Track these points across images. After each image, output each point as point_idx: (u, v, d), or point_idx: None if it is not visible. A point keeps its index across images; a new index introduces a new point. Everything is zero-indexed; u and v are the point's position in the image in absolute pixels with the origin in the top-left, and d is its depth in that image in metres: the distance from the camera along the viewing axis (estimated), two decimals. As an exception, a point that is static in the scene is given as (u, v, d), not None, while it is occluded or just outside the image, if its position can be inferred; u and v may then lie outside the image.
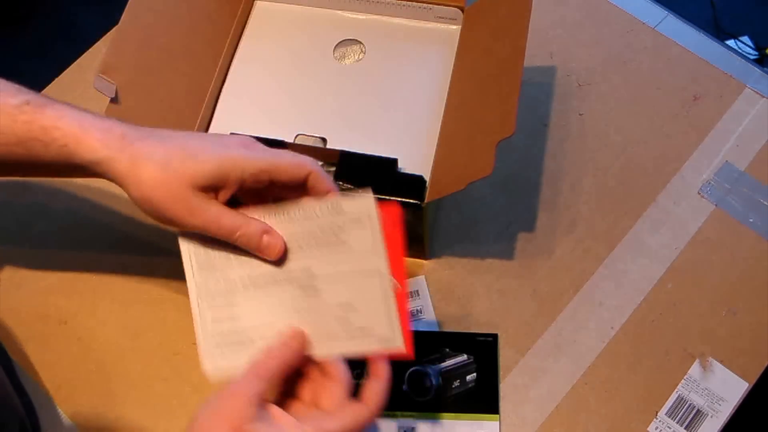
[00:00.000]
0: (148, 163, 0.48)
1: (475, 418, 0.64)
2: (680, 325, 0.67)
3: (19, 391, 0.67)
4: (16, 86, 0.52)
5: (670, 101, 0.77)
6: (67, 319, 0.70)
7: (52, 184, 0.76)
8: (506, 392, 0.65)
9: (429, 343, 0.67)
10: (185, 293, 0.71)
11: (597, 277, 0.69)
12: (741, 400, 0.64)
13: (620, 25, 0.81)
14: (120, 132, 0.49)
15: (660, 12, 0.82)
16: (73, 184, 0.76)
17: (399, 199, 0.61)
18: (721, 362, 0.65)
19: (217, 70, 0.71)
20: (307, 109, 0.69)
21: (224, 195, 0.49)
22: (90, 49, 0.83)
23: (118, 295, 0.71)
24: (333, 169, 0.62)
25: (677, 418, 0.63)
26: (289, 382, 0.51)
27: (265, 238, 0.51)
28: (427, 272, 0.70)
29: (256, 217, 0.51)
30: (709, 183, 0.73)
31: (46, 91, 0.81)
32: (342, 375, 0.50)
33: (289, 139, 0.66)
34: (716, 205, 0.72)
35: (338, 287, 0.52)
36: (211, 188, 0.49)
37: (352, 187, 0.61)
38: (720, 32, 1.66)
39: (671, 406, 0.64)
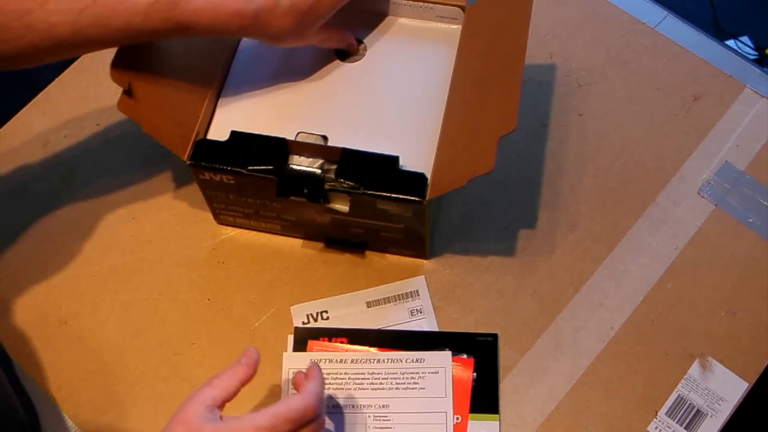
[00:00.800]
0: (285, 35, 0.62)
1: (475, 418, 0.64)
2: (680, 325, 0.67)
3: (18, 391, 0.67)
4: None
5: (670, 101, 0.77)
6: (67, 319, 0.70)
7: (52, 185, 0.76)
8: (506, 392, 0.65)
9: (429, 343, 0.67)
10: (185, 293, 0.71)
11: (597, 277, 0.69)
12: (741, 400, 0.64)
13: (620, 25, 0.81)
14: (254, 8, 0.58)
15: (660, 12, 0.82)
16: (73, 185, 0.76)
17: (400, 196, 0.61)
18: (721, 362, 0.65)
19: (220, 68, 0.71)
20: (308, 107, 0.69)
21: None
22: (90, 49, 0.83)
23: (118, 295, 0.71)
24: (334, 167, 0.62)
25: (677, 418, 0.63)
26: None
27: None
28: (427, 272, 0.70)
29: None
30: (709, 183, 0.73)
31: (46, 91, 0.81)
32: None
33: (290, 137, 0.66)
34: (716, 205, 0.72)
35: (408, 422, 0.63)
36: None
37: (353, 185, 0.61)
38: (720, 32, 1.66)
39: (671, 405, 0.64)
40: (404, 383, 0.65)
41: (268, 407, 0.54)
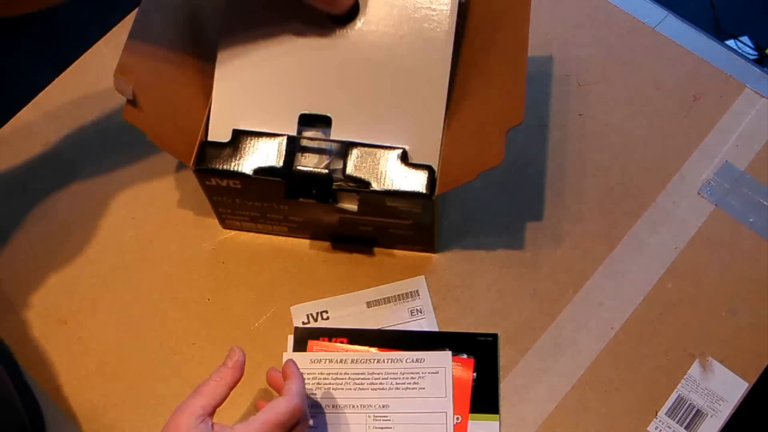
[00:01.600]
0: None
1: (475, 418, 0.64)
2: (680, 325, 0.67)
3: (21, 390, 0.67)
4: None
5: (670, 101, 0.77)
6: (67, 319, 0.70)
7: (53, 185, 0.76)
8: (506, 392, 0.65)
9: (429, 343, 0.67)
10: (185, 293, 0.71)
11: (597, 277, 0.69)
12: (741, 400, 0.64)
13: (620, 25, 0.81)
14: None
15: (660, 12, 0.82)
16: (73, 185, 0.76)
17: (408, 190, 0.60)
18: (721, 362, 0.65)
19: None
20: (307, 85, 0.66)
21: None
22: (90, 50, 0.83)
23: (118, 295, 0.71)
24: (341, 165, 0.62)
25: (677, 418, 0.63)
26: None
27: None
28: (428, 271, 0.70)
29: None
30: (709, 183, 0.73)
31: (46, 91, 0.81)
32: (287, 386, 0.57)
33: (294, 118, 0.64)
34: (716, 205, 0.72)
35: (408, 422, 0.63)
36: None
37: (361, 184, 0.61)
38: (720, 32, 1.66)
39: (671, 405, 0.64)
40: (404, 383, 0.65)
41: (256, 415, 0.54)
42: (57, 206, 0.75)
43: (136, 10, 0.64)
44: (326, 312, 0.69)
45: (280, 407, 0.54)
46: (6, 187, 0.77)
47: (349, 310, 0.69)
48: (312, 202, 0.62)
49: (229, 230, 0.73)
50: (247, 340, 0.68)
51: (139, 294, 0.71)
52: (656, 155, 0.74)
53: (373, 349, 0.67)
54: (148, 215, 0.74)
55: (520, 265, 0.70)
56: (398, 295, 0.69)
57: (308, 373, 0.65)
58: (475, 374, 0.65)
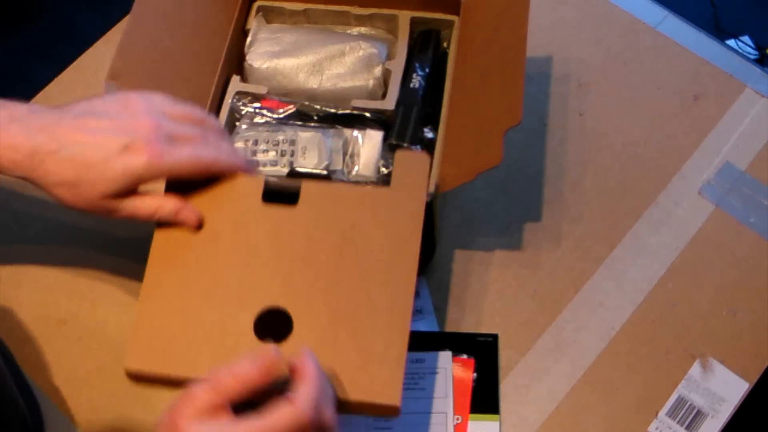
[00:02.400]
0: (61, 187, 0.52)
1: (475, 418, 0.64)
2: (680, 325, 0.67)
3: (22, 389, 0.67)
4: None
5: (670, 101, 0.77)
6: (67, 319, 0.70)
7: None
8: (506, 392, 0.65)
9: (429, 343, 0.66)
10: (185, 293, 0.71)
11: (597, 277, 0.69)
12: (741, 400, 0.64)
13: (620, 25, 0.81)
14: (29, 149, 0.51)
15: (660, 12, 0.82)
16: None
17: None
18: (721, 362, 0.65)
19: (218, 73, 0.71)
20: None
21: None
22: (89, 50, 0.83)
23: (118, 295, 0.71)
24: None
25: (677, 418, 0.63)
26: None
27: (180, 215, 0.55)
28: (428, 271, 0.70)
29: None
30: (710, 183, 0.73)
31: (45, 91, 0.81)
32: (306, 375, 0.47)
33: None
34: (716, 205, 0.72)
35: (408, 422, 0.63)
36: (123, 193, 0.53)
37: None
38: (720, 32, 1.65)
39: (671, 406, 0.64)
40: (404, 383, 0.65)
41: (250, 418, 0.45)
42: (57, 206, 0.75)
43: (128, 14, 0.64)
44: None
45: (282, 416, 0.45)
46: (6, 186, 0.76)
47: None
48: None
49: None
50: (247, 340, 0.68)
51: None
52: (656, 155, 0.74)
53: (373, 350, 0.66)
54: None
55: (520, 265, 0.70)
56: (398, 295, 0.69)
57: None
58: (475, 374, 0.65)
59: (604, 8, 0.82)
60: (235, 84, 0.72)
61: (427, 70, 0.70)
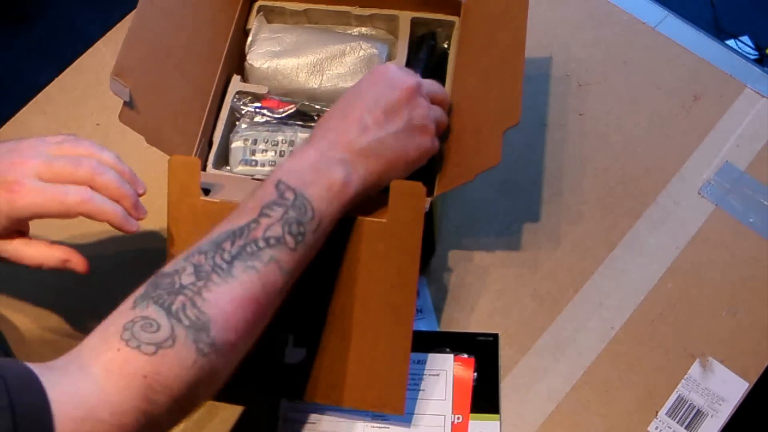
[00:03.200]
0: None
1: (475, 418, 0.64)
2: (680, 325, 0.67)
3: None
4: None
5: (670, 101, 0.77)
6: (67, 319, 0.70)
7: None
8: (506, 392, 0.65)
9: (429, 343, 0.67)
10: (185, 293, 0.71)
11: (597, 277, 0.69)
12: (741, 400, 0.64)
13: (620, 25, 0.81)
14: None
15: (660, 12, 0.82)
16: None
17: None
18: (721, 362, 0.65)
19: (218, 73, 0.71)
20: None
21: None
22: (90, 49, 0.83)
23: (118, 295, 0.71)
24: None
25: (677, 418, 0.63)
26: None
27: (68, 264, 0.58)
28: (428, 271, 0.70)
29: None
30: (709, 183, 0.73)
31: (46, 91, 0.81)
32: None
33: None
34: (716, 205, 0.72)
35: (405, 423, 0.63)
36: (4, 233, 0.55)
37: None
38: (720, 32, 1.66)
39: (671, 406, 0.64)
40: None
41: None
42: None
43: (133, 11, 0.64)
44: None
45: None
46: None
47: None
48: None
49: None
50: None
51: (139, 294, 0.71)
52: (656, 155, 0.74)
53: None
54: (148, 214, 0.74)
55: (520, 265, 0.70)
56: (398, 295, 0.69)
57: None
58: (475, 374, 0.65)
59: (604, 8, 0.82)
60: (236, 84, 0.73)
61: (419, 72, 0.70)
